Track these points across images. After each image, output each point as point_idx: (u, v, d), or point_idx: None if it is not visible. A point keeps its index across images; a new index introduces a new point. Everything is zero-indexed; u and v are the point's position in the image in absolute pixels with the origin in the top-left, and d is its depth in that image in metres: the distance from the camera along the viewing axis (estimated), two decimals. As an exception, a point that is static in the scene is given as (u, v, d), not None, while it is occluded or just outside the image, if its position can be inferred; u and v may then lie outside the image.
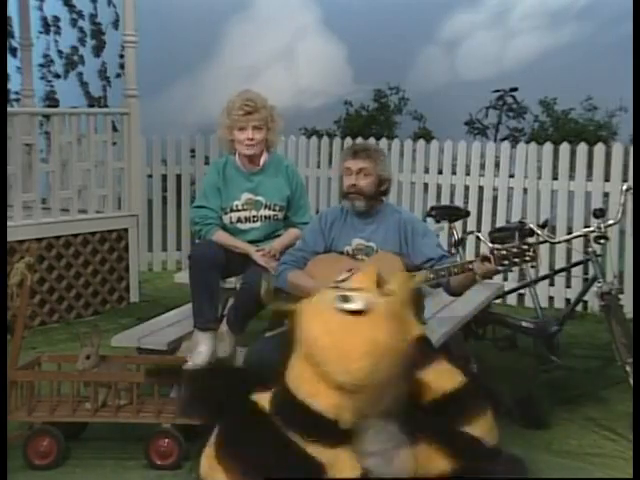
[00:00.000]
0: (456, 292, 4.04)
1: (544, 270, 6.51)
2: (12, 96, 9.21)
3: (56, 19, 10.84)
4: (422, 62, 13.51)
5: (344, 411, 2.68)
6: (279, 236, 4.56)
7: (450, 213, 5.81)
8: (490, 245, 4.04)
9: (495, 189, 7.33)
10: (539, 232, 4.77)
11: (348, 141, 7.86)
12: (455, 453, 2.83)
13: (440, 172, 7.51)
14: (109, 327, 5.86)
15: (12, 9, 7.92)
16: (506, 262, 3.73)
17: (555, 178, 7.12)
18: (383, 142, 7.83)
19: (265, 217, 4.53)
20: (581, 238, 5.18)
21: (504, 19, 13.57)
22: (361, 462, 2.71)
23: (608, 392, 4.92)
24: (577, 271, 5.94)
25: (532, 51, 12.81)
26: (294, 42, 13.71)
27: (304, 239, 4.21)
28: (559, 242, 5.38)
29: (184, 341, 4.38)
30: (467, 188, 7.42)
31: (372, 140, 7.84)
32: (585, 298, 5.85)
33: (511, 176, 7.27)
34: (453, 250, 5.56)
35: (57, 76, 10.98)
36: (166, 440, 3.88)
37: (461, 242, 5.74)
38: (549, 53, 12.59)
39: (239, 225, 4.52)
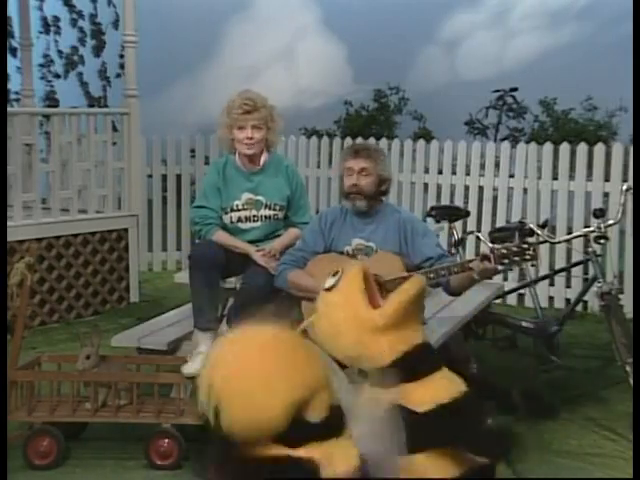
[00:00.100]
0: (455, 292, 4.04)
1: (544, 270, 6.51)
2: (12, 96, 9.21)
3: (56, 19, 10.84)
4: (422, 62, 13.51)
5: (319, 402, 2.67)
6: (279, 236, 4.56)
7: (450, 213, 5.82)
8: (490, 245, 4.04)
9: (495, 189, 7.33)
10: (539, 232, 4.77)
11: (348, 141, 7.86)
12: (455, 460, 2.83)
13: (440, 172, 7.52)
14: (109, 327, 5.86)
15: (12, 9, 7.93)
16: (506, 261, 3.73)
17: (555, 178, 7.12)
18: (383, 142, 7.83)
19: (265, 217, 4.52)
20: (581, 238, 5.18)
21: (504, 19, 13.58)
22: (356, 448, 2.71)
23: (608, 392, 4.92)
24: (577, 271, 5.95)
25: (532, 51, 12.81)
26: (294, 42, 13.71)
27: (304, 239, 4.21)
28: (559, 242, 5.39)
29: (184, 341, 4.38)
30: (467, 188, 7.42)
31: (372, 140, 7.84)
32: (585, 298, 5.85)
33: (511, 176, 7.27)
34: (453, 250, 5.57)
35: (57, 76, 10.98)
36: (166, 440, 3.89)
37: (461, 242, 5.75)
38: (549, 53, 12.59)
39: (239, 225, 4.52)
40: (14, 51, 9.24)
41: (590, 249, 4.88)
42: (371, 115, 12.10)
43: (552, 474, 3.88)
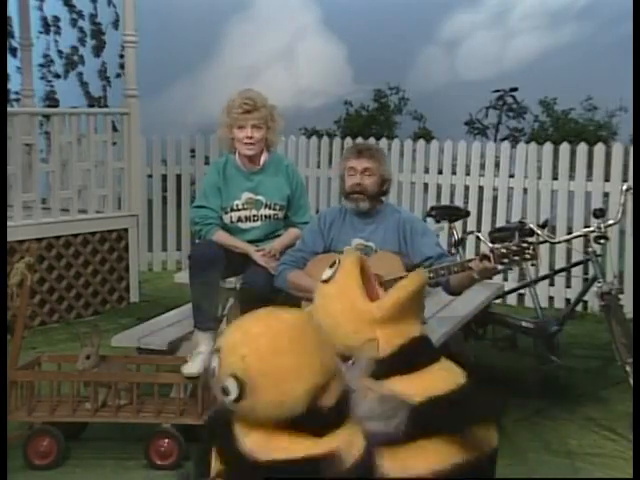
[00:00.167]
0: (455, 291, 4.04)
1: (544, 270, 6.51)
2: (12, 96, 9.21)
3: (56, 19, 10.84)
4: (422, 62, 13.51)
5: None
6: (279, 235, 4.56)
7: (450, 213, 5.82)
8: (490, 245, 4.04)
9: (495, 189, 7.33)
10: (539, 232, 4.77)
11: (348, 141, 7.86)
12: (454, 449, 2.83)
13: (440, 172, 7.52)
14: (109, 327, 5.86)
15: (12, 9, 7.93)
16: (505, 261, 3.73)
17: (555, 178, 7.12)
18: (383, 142, 7.83)
19: (265, 216, 4.53)
20: (581, 238, 5.18)
21: (504, 19, 13.58)
22: (364, 431, 2.72)
23: (608, 392, 4.92)
24: (577, 271, 5.95)
25: (532, 51, 12.81)
26: (294, 42, 13.71)
27: (303, 240, 4.21)
28: (559, 242, 5.39)
29: (184, 341, 4.38)
30: (467, 188, 7.42)
31: (372, 140, 7.85)
32: (585, 298, 5.85)
33: (511, 176, 7.27)
34: (453, 250, 5.57)
35: (57, 76, 10.98)
36: (166, 440, 3.89)
37: (461, 242, 5.75)
38: (549, 53, 12.59)
39: (240, 224, 4.52)
40: (14, 51, 9.24)
41: (590, 249, 4.89)
42: (371, 115, 12.10)
43: (552, 474, 3.88)
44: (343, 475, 2.55)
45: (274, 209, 4.54)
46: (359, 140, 7.75)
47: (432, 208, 5.98)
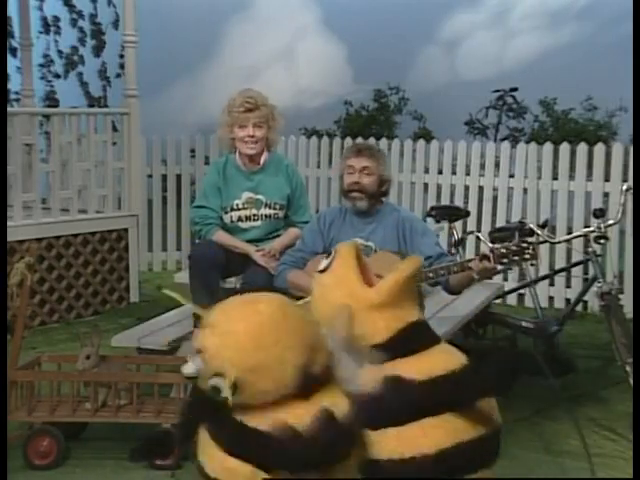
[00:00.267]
0: (455, 291, 4.05)
1: (544, 270, 6.52)
2: (12, 96, 9.21)
3: (56, 19, 10.84)
4: (422, 62, 13.52)
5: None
6: (279, 235, 4.57)
7: (450, 213, 5.82)
8: (490, 245, 4.04)
9: (495, 189, 7.33)
10: (539, 232, 4.77)
11: (348, 141, 7.86)
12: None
13: (440, 172, 7.52)
14: (109, 327, 5.85)
15: (12, 9, 7.93)
16: (505, 260, 3.73)
17: (555, 178, 7.12)
18: (383, 142, 7.83)
19: (265, 216, 4.53)
20: (581, 238, 5.18)
21: (504, 19, 13.58)
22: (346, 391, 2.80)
23: (608, 392, 4.92)
24: (577, 271, 5.94)
25: (532, 51, 12.82)
26: (294, 42, 13.72)
27: (303, 240, 4.21)
28: (559, 242, 5.38)
29: (184, 341, 4.38)
30: (467, 188, 7.42)
31: (372, 140, 7.85)
32: (585, 298, 5.85)
33: (511, 176, 7.27)
34: (453, 250, 5.57)
35: (57, 76, 10.98)
36: (166, 440, 3.88)
37: (461, 242, 5.75)
38: (549, 53, 12.60)
39: (240, 224, 4.52)
40: (14, 51, 9.24)
41: (590, 249, 4.88)
42: (371, 115, 12.10)
43: (552, 474, 3.88)
44: (333, 431, 2.66)
45: (274, 208, 4.54)
46: (359, 140, 7.75)
47: (432, 208, 5.98)
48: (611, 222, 4.86)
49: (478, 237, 5.47)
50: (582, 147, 7.00)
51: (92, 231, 6.65)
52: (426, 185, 7.58)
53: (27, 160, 6.72)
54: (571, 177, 7.06)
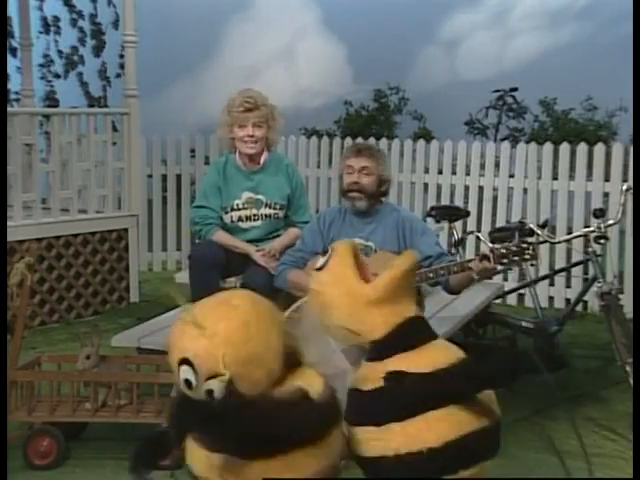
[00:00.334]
0: (455, 291, 4.05)
1: (544, 270, 6.51)
2: (12, 96, 9.21)
3: (56, 19, 10.84)
4: (422, 62, 13.52)
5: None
6: (279, 235, 4.57)
7: (450, 213, 5.81)
8: (490, 245, 4.04)
9: (495, 189, 7.33)
10: (539, 232, 4.77)
11: (348, 141, 7.86)
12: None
13: (440, 172, 7.51)
14: (109, 327, 5.85)
15: (12, 9, 7.92)
16: (505, 261, 3.73)
17: (555, 178, 7.12)
18: (383, 142, 7.83)
19: (266, 216, 4.53)
20: (581, 238, 5.18)
21: (504, 19, 13.58)
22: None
23: (608, 392, 4.91)
24: (577, 271, 5.94)
25: (532, 51, 12.82)
26: (294, 42, 13.72)
27: (303, 240, 4.21)
28: (559, 242, 5.38)
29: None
30: (467, 188, 7.42)
31: (372, 140, 7.84)
32: (585, 298, 5.85)
33: (511, 176, 7.27)
34: (453, 250, 5.56)
35: (57, 76, 10.98)
36: (166, 440, 3.88)
37: (461, 242, 5.75)
38: (549, 53, 12.60)
39: (240, 224, 4.52)
40: (14, 51, 9.24)
41: (590, 249, 4.88)
42: (371, 115, 12.11)
43: (552, 474, 3.88)
44: (307, 408, 2.72)
45: (274, 208, 4.54)
46: (359, 140, 7.75)
47: (432, 208, 5.97)
48: (611, 222, 4.86)
49: (478, 237, 5.46)
50: (582, 147, 7.00)
51: (92, 231, 6.64)
52: (426, 185, 7.58)
53: (27, 160, 6.72)
54: (571, 177, 7.06)
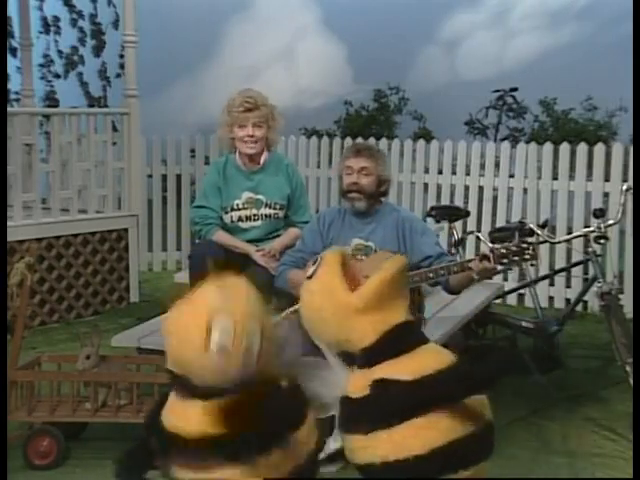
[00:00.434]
0: (454, 290, 4.05)
1: (544, 270, 6.51)
2: (12, 96, 9.21)
3: (56, 19, 10.84)
4: (422, 62, 13.51)
5: None
6: (280, 235, 4.57)
7: (450, 213, 5.81)
8: (490, 245, 4.04)
9: (495, 189, 7.33)
10: (539, 232, 4.77)
11: (348, 141, 7.85)
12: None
13: (440, 172, 7.51)
14: (109, 327, 5.85)
15: (12, 9, 7.92)
16: (505, 261, 3.73)
17: (555, 178, 7.12)
18: (383, 142, 7.83)
19: (266, 216, 4.53)
20: (581, 238, 5.18)
21: (504, 19, 13.58)
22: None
23: (608, 392, 4.92)
24: (577, 271, 5.94)
25: (532, 51, 12.81)
26: (294, 42, 13.71)
27: (302, 240, 4.21)
28: (559, 242, 5.38)
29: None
30: (467, 188, 7.42)
31: (372, 140, 7.84)
32: (585, 298, 5.85)
33: (511, 176, 7.27)
34: (453, 250, 5.56)
35: (57, 76, 10.97)
36: (166, 440, 3.88)
37: (461, 242, 5.75)
38: (549, 53, 12.59)
39: (240, 224, 4.52)
40: (14, 51, 9.23)
41: (590, 249, 4.88)
42: (371, 115, 12.10)
43: (552, 474, 3.88)
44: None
45: (274, 208, 4.54)
46: (359, 140, 7.75)
47: (432, 208, 5.97)
48: (611, 222, 4.86)
49: (478, 237, 5.47)
50: (582, 147, 7.00)
51: (92, 231, 6.64)
52: (426, 185, 7.58)
53: (27, 160, 6.72)
54: (571, 177, 7.06)
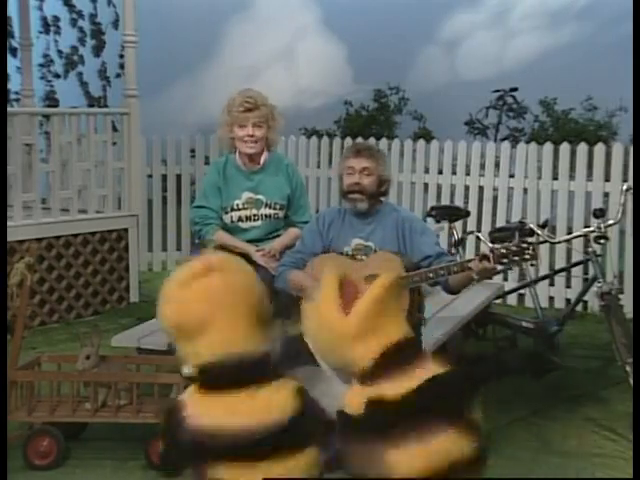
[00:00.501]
0: (454, 290, 4.04)
1: (544, 270, 6.52)
2: (12, 96, 9.21)
3: (56, 19, 10.84)
4: (422, 62, 13.51)
5: None
6: (280, 235, 4.56)
7: (450, 213, 5.82)
8: (490, 245, 4.04)
9: (495, 189, 7.33)
10: (539, 232, 4.77)
11: (348, 141, 7.86)
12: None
13: (440, 172, 7.51)
14: (109, 327, 5.86)
15: (12, 9, 7.93)
16: (505, 261, 3.72)
17: (555, 178, 7.12)
18: (383, 142, 7.83)
19: (266, 216, 4.53)
20: (581, 238, 5.18)
21: (504, 19, 13.58)
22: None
23: (608, 392, 4.92)
24: (577, 271, 5.95)
25: (532, 51, 12.81)
26: (294, 42, 13.71)
27: (302, 241, 4.21)
28: (559, 242, 5.39)
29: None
30: (467, 188, 7.42)
31: (372, 140, 7.85)
32: (585, 298, 5.85)
33: (511, 176, 7.27)
34: (453, 250, 5.57)
35: (57, 76, 10.98)
36: (166, 440, 3.88)
37: (461, 242, 5.75)
38: (549, 53, 12.59)
39: (240, 224, 4.52)
40: (14, 51, 9.24)
41: (590, 249, 4.89)
42: (371, 115, 12.10)
43: (552, 474, 3.88)
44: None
45: (274, 208, 4.54)
46: (359, 140, 7.75)
47: (432, 208, 5.98)
48: (611, 222, 4.87)
49: (478, 237, 5.47)
50: (582, 147, 7.00)
51: (92, 231, 6.65)
52: (426, 185, 7.58)
53: (27, 160, 6.72)
54: (571, 177, 7.06)
